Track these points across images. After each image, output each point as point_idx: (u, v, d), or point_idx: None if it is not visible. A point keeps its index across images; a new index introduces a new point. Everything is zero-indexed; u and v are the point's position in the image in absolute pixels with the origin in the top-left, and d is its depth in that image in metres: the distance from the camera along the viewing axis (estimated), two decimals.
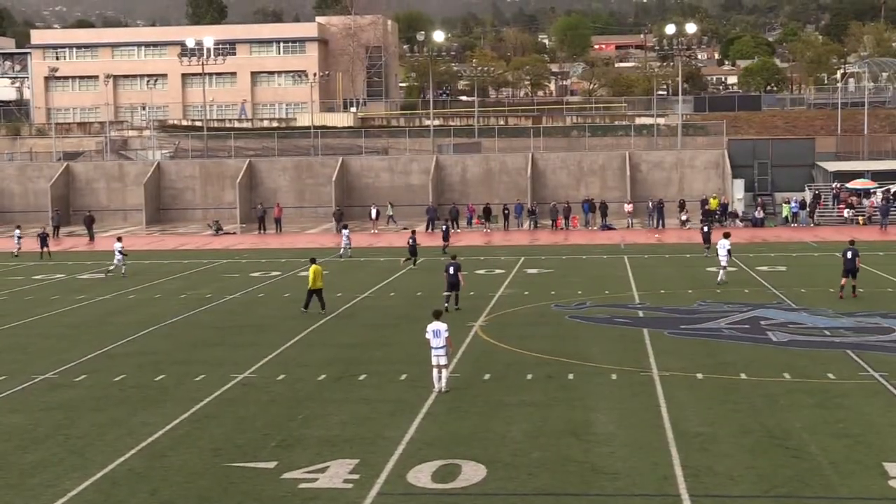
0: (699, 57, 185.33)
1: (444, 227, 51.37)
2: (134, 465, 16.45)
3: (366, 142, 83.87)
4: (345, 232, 48.73)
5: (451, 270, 31.24)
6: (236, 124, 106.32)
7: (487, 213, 62.40)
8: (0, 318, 32.31)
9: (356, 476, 15.61)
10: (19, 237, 52.12)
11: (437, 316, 21.14)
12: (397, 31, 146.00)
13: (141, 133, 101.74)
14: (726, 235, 37.40)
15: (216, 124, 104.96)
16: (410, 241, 42.98)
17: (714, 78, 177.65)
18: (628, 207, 62.65)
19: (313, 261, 31.91)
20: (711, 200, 61.34)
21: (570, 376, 22.01)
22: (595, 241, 53.54)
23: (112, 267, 42.54)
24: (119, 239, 44.25)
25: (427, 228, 60.86)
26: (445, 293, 31.74)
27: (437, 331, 20.71)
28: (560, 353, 24.43)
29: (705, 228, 45.72)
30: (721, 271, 36.43)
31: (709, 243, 43.81)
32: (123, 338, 28.07)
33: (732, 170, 65.55)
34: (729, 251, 36.48)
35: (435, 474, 15.63)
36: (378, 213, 62.73)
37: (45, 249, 50.04)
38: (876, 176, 63.41)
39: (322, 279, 31.36)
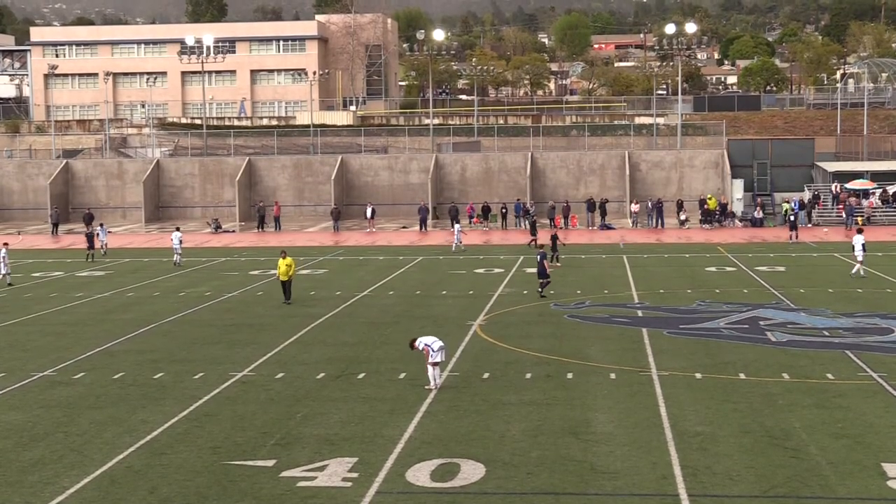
0: (699, 57, 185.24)
1: (531, 221, 54.44)
2: (133, 463, 16.45)
3: (365, 140, 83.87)
4: (457, 227, 51.35)
5: (539, 259, 34.19)
6: (236, 122, 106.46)
7: (486, 212, 62.43)
8: None
9: (355, 474, 15.61)
10: (107, 231, 52.50)
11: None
12: (397, 30, 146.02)
13: (140, 131, 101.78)
14: (860, 231, 38.31)
15: (216, 122, 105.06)
16: (552, 238, 43.66)
17: (714, 78, 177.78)
18: (634, 207, 62.41)
19: (284, 253, 33.93)
20: (709, 200, 61.28)
21: (569, 375, 22.02)
22: (594, 241, 53.52)
23: (177, 258, 44.28)
24: (177, 229, 46.54)
25: (420, 228, 60.89)
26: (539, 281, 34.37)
27: (439, 344, 20.96)
28: (559, 353, 24.43)
29: (791, 218, 50.74)
30: (858, 266, 37.34)
31: (795, 230, 49.76)
32: (122, 335, 28.07)
33: (732, 170, 65.50)
34: (863, 246, 37.28)
35: (434, 473, 15.63)
36: (374, 211, 62.72)
37: (92, 250, 47.63)
38: (875, 176, 63.40)
39: (286, 273, 33.31)
